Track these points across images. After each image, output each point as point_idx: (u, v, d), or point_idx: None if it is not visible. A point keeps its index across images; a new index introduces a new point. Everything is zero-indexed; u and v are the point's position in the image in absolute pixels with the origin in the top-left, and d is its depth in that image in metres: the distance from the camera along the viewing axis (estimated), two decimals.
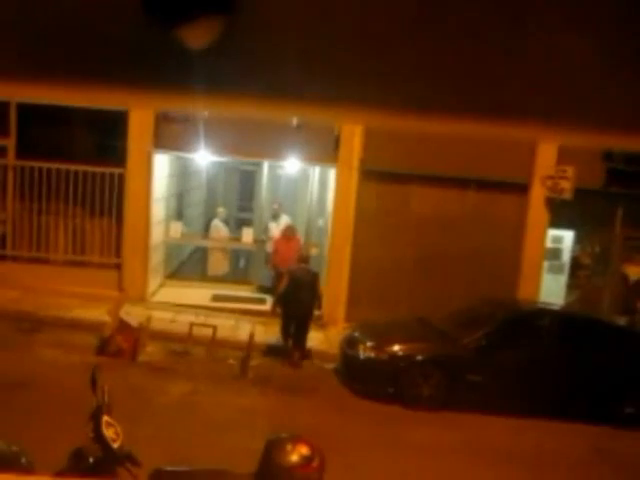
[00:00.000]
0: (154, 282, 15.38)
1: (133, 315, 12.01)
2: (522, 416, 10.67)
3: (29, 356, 10.98)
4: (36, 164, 14.23)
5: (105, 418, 4.90)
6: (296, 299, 12.17)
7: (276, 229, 15.82)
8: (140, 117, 13.92)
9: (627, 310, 14.86)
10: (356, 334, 11.97)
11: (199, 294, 15.32)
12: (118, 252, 14.62)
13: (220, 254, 16.92)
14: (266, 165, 17.62)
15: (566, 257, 15.80)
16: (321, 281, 13.23)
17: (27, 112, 13.87)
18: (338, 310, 14.60)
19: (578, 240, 15.77)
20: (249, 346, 11.82)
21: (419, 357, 11.19)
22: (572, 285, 15.71)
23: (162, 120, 13.95)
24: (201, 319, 12.98)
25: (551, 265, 15.52)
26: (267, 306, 13.95)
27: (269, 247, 15.67)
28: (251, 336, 11.98)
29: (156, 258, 15.43)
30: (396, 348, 11.30)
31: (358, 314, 13.88)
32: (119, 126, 13.96)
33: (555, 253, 15.63)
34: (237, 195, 22.20)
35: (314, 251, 15.49)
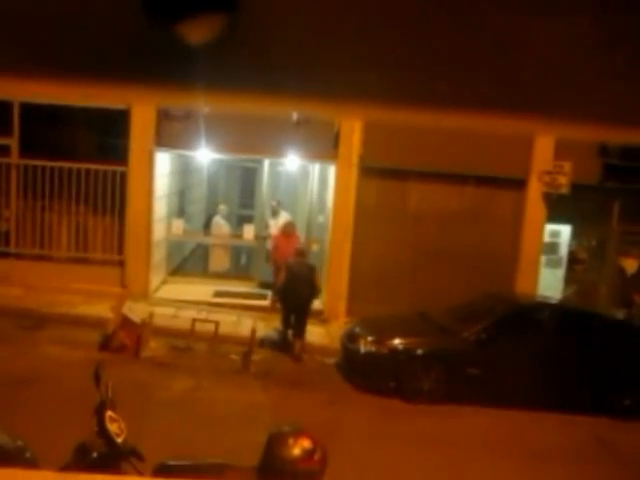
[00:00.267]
0: (156, 279, 15.38)
1: (136, 311, 12.00)
2: (521, 408, 10.70)
3: (33, 352, 11.00)
4: (39, 163, 14.26)
5: (109, 413, 4.89)
6: (294, 292, 12.26)
7: (275, 227, 15.83)
8: (142, 115, 13.94)
9: (624, 303, 14.84)
10: (357, 329, 12.00)
11: (201, 290, 15.33)
12: (120, 249, 14.65)
13: (221, 251, 16.93)
14: (267, 162, 17.58)
15: (563, 251, 15.81)
16: (322, 276, 13.33)
17: (30, 111, 13.90)
18: (339, 305, 14.62)
19: (575, 234, 15.77)
20: (251, 341, 11.88)
21: (419, 351, 11.23)
22: (569, 279, 15.71)
23: (163, 118, 13.96)
24: (203, 315, 12.99)
25: (549, 259, 15.52)
26: (268, 302, 14.00)
27: (269, 244, 15.71)
28: (253, 331, 12.04)
29: (158, 255, 15.44)
30: (397, 342, 11.33)
31: (358, 309, 13.89)
32: (121, 125, 13.99)
33: (553, 247, 15.63)
34: (238, 192, 22.07)
35: (315, 247, 15.55)
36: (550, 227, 15.29)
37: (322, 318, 14.33)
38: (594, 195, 14.51)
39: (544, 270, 15.31)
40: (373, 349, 11.35)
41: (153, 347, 11.92)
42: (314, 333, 13.19)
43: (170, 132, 14.13)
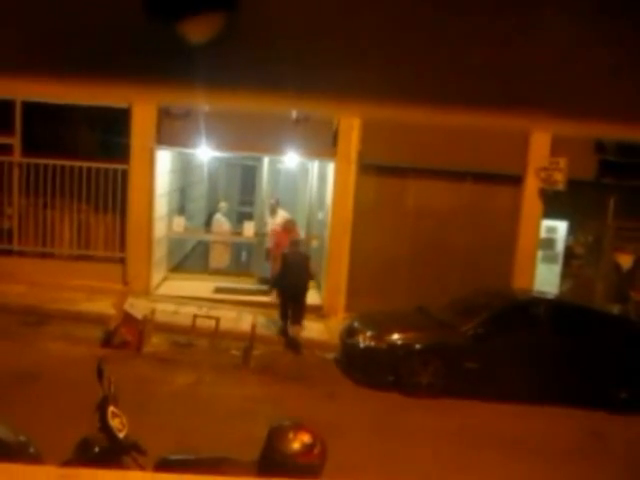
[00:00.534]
0: (158, 275, 15.44)
1: (137, 308, 12.00)
2: (519, 402, 10.76)
3: (36, 349, 11.03)
4: (41, 161, 14.32)
5: (111, 408, 4.89)
6: (291, 281, 12.49)
7: (273, 225, 15.91)
8: (143, 114, 13.97)
9: (620, 298, 14.86)
10: (356, 324, 12.04)
11: (202, 287, 15.40)
12: (122, 246, 14.71)
13: (222, 247, 16.92)
14: (266, 160, 17.58)
15: (560, 247, 15.83)
16: (321, 272, 13.40)
17: (32, 110, 13.97)
18: (338, 301, 14.66)
19: (571, 230, 15.79)
20: (251, 337, 11.94)
21: (418, 346, 11.29)
22: (566, 274, 15.72)
23: (164, 116, 13.99)
24: (204, 311, 12.95)
25: (545, 255, 15.57)
26: (268, 298, 14.07)
27: (269, 243, 15.75)
28: (253, 327, 12.10)
29: (159, 252, 15.48)
30: (395, 337, 11.40)
31: (357, 304, 13.91)
32: (122, 123, 14.04)
33: (549, 243, 15.67)
34: (238, 189, 22.09)
35: (314, 243, 15.61)
36: (546, 223, 15.33)
37: (321, 314, 14.39)
38: (590, 191, 14.58)
39: (541, 265, 15.35)
40: (372, 344, 11.41)
41: (154, 343, 11.97)
42: (313, 328, 13.25)
43: (171, 130, 14.16)
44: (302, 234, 15.51)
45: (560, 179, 14.09)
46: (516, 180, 14.86)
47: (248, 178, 20.78)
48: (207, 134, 13.82)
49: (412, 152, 14.02)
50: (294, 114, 12.79)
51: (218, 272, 16.61)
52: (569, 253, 15.85)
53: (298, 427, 4.67)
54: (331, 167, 15.03)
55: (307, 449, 4.51)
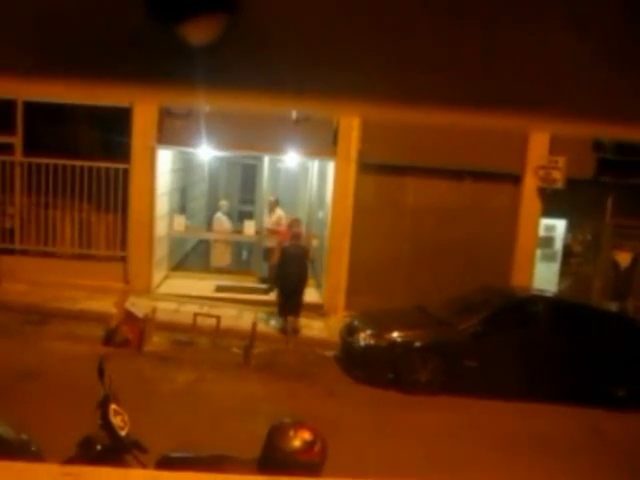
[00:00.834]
0: (159, 274, 15.46)
1: (139, 306, 12.04)
2: (518, 399, 10.80)
3: (37, 347, 11.05)
4: (42, 160, 14.34)
5: (112, 406, 4.94)
6: (289, 273, 12.60)
7: (269, 223, 16.00)
8: (144, 114, 13.99)
9: (618, 296, 14.93)
10: (356, 322, 12.10)
11: (203, 285, 15.45)
12: (123, 245, 14.74)
13: (223, 246, 16.96)
14: (267, 159, 17.59)
15: (558, 245, 15.88)
16: (321, 271, 13.41)
17: (33, 110, 13.99)
18: (338, 299, 14.68)
19: (570, 229, 15.83)
20: (252, 335, 11.95)
21: (417, 344, 11.34)
22: (564, 272, 15.77)
23: (165, 116, 14.02)
24: (205, 309, 13.06)
25: (544, 253, 15.60)
26: (269, 296, 14.11)
27: (269, 242, 15.72)
28: (254, 325, 12.13)
29: (160, 251, 15.51)
30: (395, 335, 11.44)
31: (357, 303, 13.94)
32: (123, 123, 14.07)
33: (548, 241, 15.70)
34: (239, 188, 22.09)
35: (314, 242, 15.63)
36: (545, 221, 15.36)
37: (321, 312, 14.43)
38: (589, 189, 14.62)
39: (539, 264, 15.37)
40: (372, 342, 11.46)
41: (156, 341, 11.99)
42: (314, 327, 13.30)
43: (172, 130, 14.19)
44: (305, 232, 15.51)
45: (559, 178, 14.14)
46: (515, 179, 14.90)
47: (248, 177, 20.83)
48: (208, 133, 13.83)
49: (411, 151, 14.03)
50: (294, 114, 12.81)
51: (219, 271, 16.66)
52: (568, 251, 15.89)
53: (298, 425, 4.71)
54: (331, 166, 15.06)
55: (307, 447, 4.55)
